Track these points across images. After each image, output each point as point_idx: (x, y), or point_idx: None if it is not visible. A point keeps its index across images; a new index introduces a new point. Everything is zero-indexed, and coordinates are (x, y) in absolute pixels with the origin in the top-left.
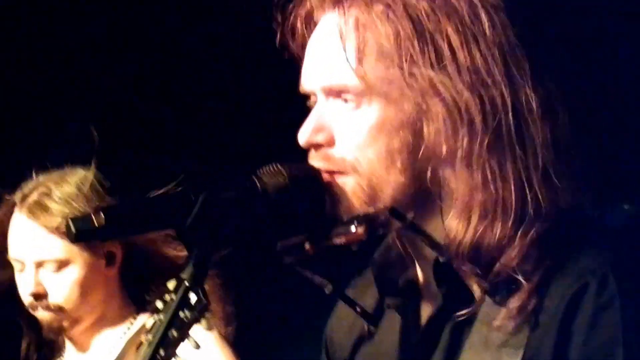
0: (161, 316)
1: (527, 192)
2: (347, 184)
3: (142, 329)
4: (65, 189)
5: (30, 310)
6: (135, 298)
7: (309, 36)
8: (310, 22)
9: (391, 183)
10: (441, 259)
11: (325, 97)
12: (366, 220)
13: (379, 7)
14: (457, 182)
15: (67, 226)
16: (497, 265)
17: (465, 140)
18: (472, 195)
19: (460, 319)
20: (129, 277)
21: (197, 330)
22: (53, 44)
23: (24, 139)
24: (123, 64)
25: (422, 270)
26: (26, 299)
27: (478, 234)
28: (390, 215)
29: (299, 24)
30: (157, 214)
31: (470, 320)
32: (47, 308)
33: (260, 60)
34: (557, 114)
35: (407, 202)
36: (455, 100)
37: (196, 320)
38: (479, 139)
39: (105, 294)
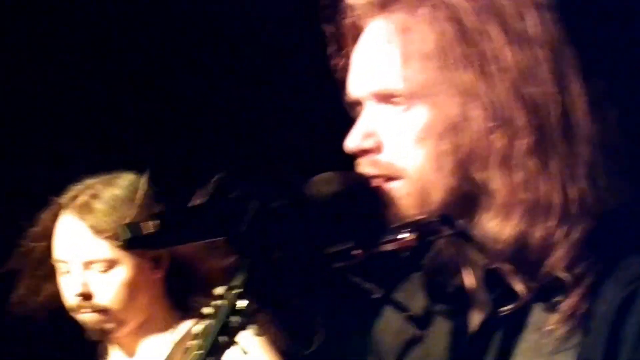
0: (211, 322)
1: (572, 190)
2: (397, 189)
3: (188, 335)
4: (115, 192)
5: (74, 314)
6: (180, 304)
7: (354, 45)
8: (356, 31)
9: (440, 187)
10: (490, 266)
11: (374, 102)
12: (417, 226)
13: (423, 10)
14: (497, 182)
15: (119, 232)
16: (545, 266)
17: (505, 140)
18: (512, 195)
19: (504, 313)
20: (174, 283)
21: (246, 336)
22: (108, 50)
23: (71, 143)
24: (175, 70)
25: (472, 276)
26: (71, 300)
27: (519, 233)
28: (441, 222)
29: (345, 34)
30: (208, 222)
31: (520, 327)
32: (93, 309)
33: (310, 68)
34: (606, 112)
35: (458, 205)
36: (496, 101)
37: (245, 326)
38: (520, 139)
39: (150, 297)
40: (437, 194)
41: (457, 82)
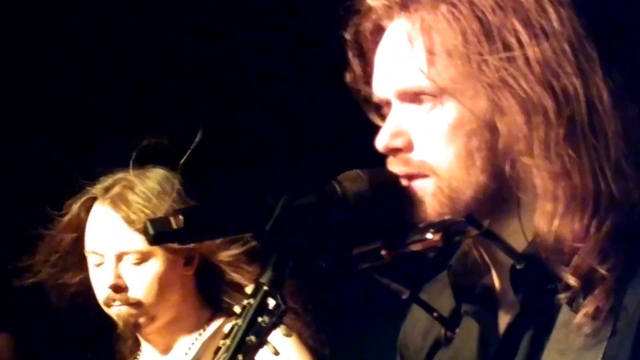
0: (239, 321)
1: (602, 182)
2: (427, 187)
3: (219, 333)
4: (149, 184)
5: (105, 307)
6: (211, 303)
7: (376, 46)
8: (377, 33)
9: (472, 184)
10: (518, 266)
11: (400, 101)
12: (443, 227)
13: (444, 8)
14: (538, 173)
15: (145, 227)
16: (576, 259)
17: (541, 130)
18: (556, 185)
19: (561, 301)
20: (205, 281)
21: (276, 336)
22: (144, 47)
23: (104, 135)
24: (202, 68)
25: (499, 277)
26: (103, 292)
27: (557, 221)
28: (467, 223)
29: (367, 36)
30: (235, 218)
31: (549, 327)
32: (125, 302)
33: (339, 67)
34: (627, 105)
35: (487, 203)
36: (527, 93)
37: (275, 325)
38: (554, 129)
39: (181, 293)
40: (469, 192)
41: (483, 78)
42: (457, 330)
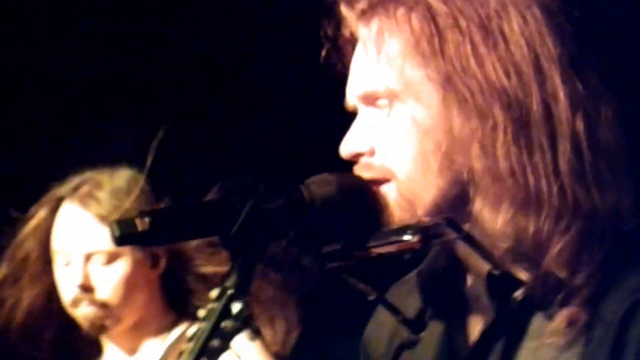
0: (203, 325)
1: (555, 185)
2: (390, 192)
3: (183, 337)
4: (117, 183)
5: (72, 308)
6: (176, 306)
7: (351, 54)
8: (354, 40)
9: (431, 187)
10: (494, 272)
11: (364, 106)
12: (421, 229)
13: (400, 12)
14: (482, 172)
15: (111, 229)
16: (543, 264)
17: (489, 130)
18: (498, 183)
19: (518, 299)
20: (170, 285)
21: (240, 340)
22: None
23: (71, 137)
24: (172, 67)
25: (474, 282)
26: (71, 293)
27: (513, 225)
28: (447, 226)
29: (344, 44)
30: (202, 221)
31: (520, 336)
32: (92, 303)
33: (309, 70)
34: (597, 107)
35: (448, 210)
36: (478, 95)
37: (239, 330)
38: (502, 129)
39: (147, 296)
40: (427, 196)
41: (436, 80)
42: (422, 335)
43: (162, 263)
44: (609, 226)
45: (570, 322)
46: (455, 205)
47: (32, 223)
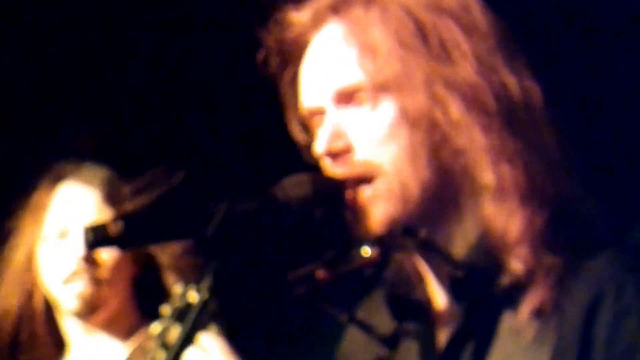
0: (169, 322)
1: (537, 175)
2: (376, 191)
3: (148, 336)
4: (105, 173)
5: (63, 285)
6: (148, 313)
7: (301, 58)
8: (302, 45)
9: (419, 180)
10: (457, 274)
11: (336, 106)
12: (379, 242)
13: (375, 10)
14: (481, 162)
15: (84, 234)
16: (512, 258)
17: (481, 119)
18: (499, 172)
19: (504, 287)
20: (144, 289)
21: (205, 336)
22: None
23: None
24: (141, 65)
25: (439, 287)
26: (69, 267)
27: (507, 216)
28: (403, 235)
29: (290, 48)
30: (176, 223)
31: (492, 335)
32: (91, 278)
33: None
34: (554, 104)
35: (433, 203)
36: (465, 84)
37: (205, 325)
38: (494, 119)
39: (121, 291)
40: (416, 190)
41: (420, 73)
42: (396, 349)
43: (139, 264)
44: (572, 212)
45: (538, 309)
46: (439, 202)
47: (34, 197)
